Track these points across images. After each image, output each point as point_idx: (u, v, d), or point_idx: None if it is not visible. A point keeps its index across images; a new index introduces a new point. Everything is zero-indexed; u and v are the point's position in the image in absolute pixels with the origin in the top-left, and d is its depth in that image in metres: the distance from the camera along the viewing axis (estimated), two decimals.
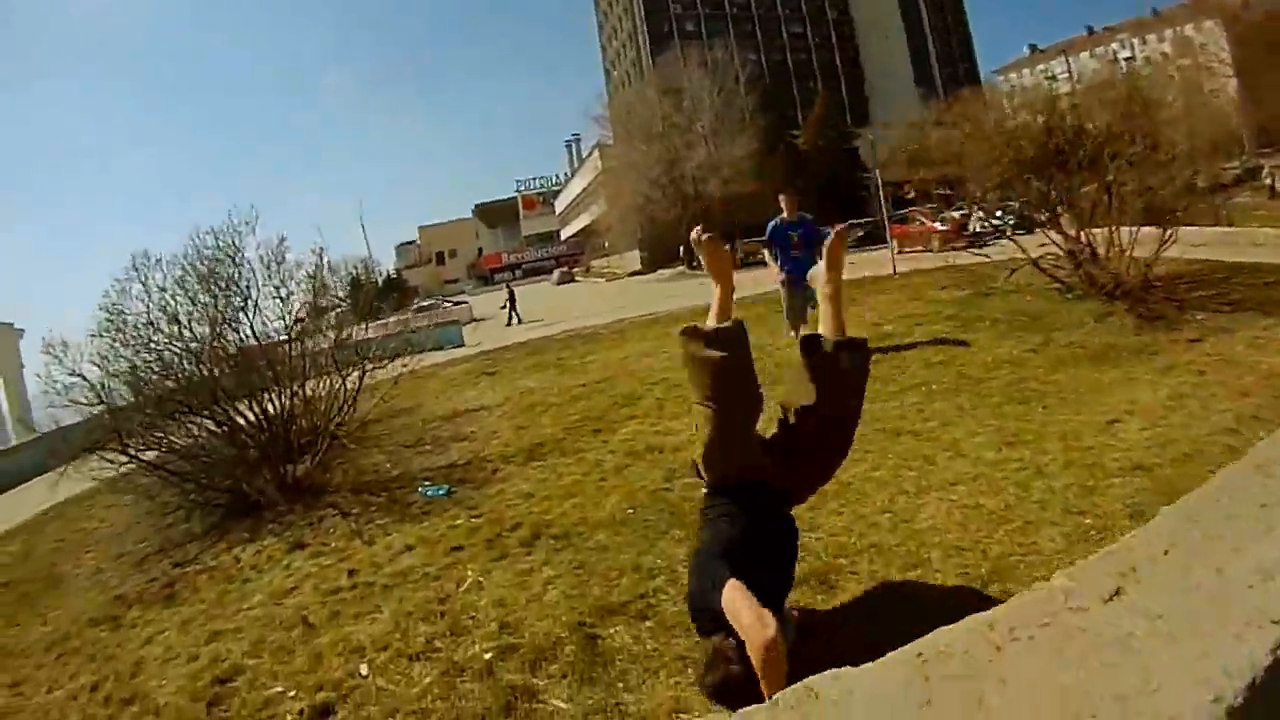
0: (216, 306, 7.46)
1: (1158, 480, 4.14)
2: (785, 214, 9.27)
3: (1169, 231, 9.28)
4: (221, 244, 7.58)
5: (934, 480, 4.68)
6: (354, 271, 9.42)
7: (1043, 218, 10.26)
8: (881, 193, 20.02)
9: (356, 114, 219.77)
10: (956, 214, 30.04)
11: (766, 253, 9.57)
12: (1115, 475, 4.31)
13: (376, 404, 8.70)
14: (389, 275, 60.25)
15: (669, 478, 5.58)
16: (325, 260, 8.50)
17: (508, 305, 30.59)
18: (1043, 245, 10.32)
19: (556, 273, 70.70)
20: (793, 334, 9.05)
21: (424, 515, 5.82)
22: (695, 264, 47.18)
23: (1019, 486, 4.37)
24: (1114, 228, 9.52)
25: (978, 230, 28.29)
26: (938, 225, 29.39)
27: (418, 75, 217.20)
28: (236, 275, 7.58)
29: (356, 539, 5.60)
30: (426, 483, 6.50)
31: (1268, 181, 27.81)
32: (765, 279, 9.97)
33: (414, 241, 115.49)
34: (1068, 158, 9.67)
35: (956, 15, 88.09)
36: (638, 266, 57.80)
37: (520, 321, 28.30)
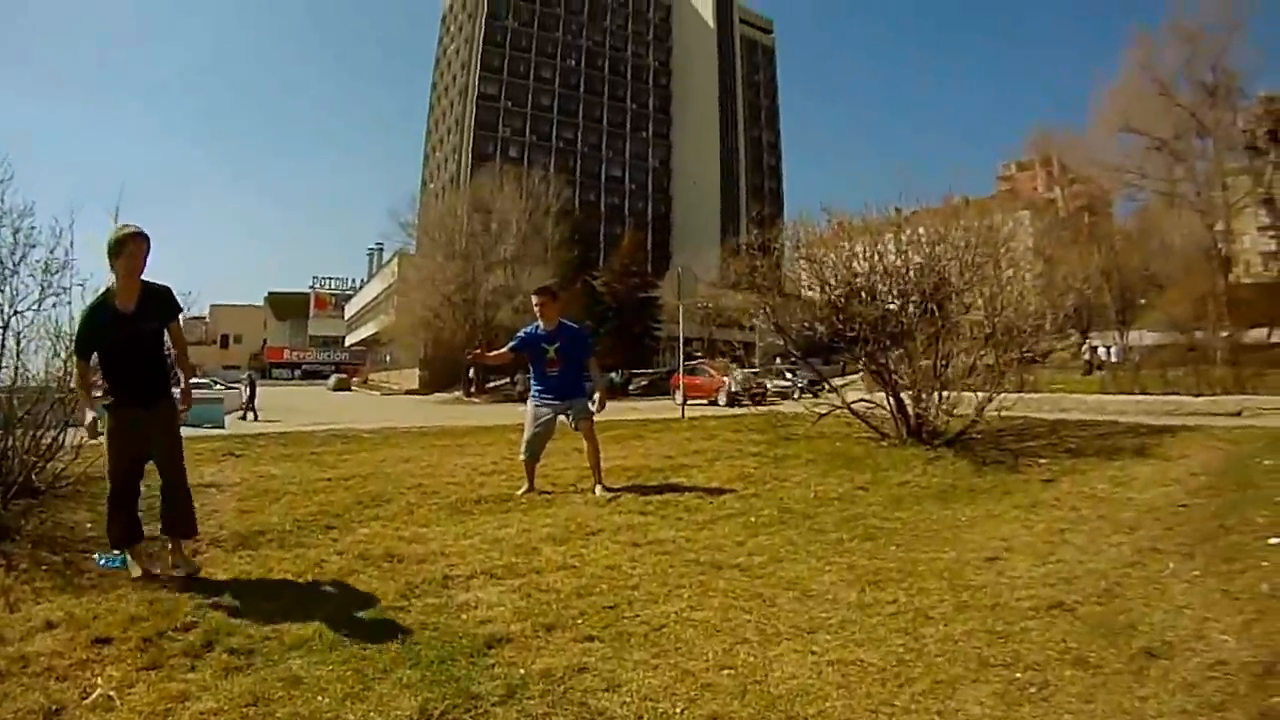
0: None
1: (1085, 619, 3.61)
2: (541, 323, 7.60)
3: (993, 388, 9.26)
4: None
5: (782, 626, 3.59)
6: None
7: (863, 361, 10.12)
8: (682, 330, 19.51)
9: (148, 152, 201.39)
10: (745, 371, 30.63)
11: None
12: (1029, 617, 3.68)
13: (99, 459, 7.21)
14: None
15: (406, 594, 4.31)
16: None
17: (246, 399, 27.93)
18: (856, 400, 10.23)
19: (333, 378, 71.43)
20: (525, 463, 7.53)
21: (90, 588, 4.57)
22: (473, 391, 46.29)
23: (905, 634, 3.42)
24: (934, 379, 9.44)
25: (766, 388, 29.00)
26: (725, 379, 30.09)
27: (225, 131, 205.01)
28: None
29: (1, 598, 4.34)
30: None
31: (1085, 357, 30.03)
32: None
33: (203, 318, 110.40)
34: (862, 329, 9.77)
35: (774, 181, 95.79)
36: (415, 385, 57.47)
37: (256, 418, 25.56)
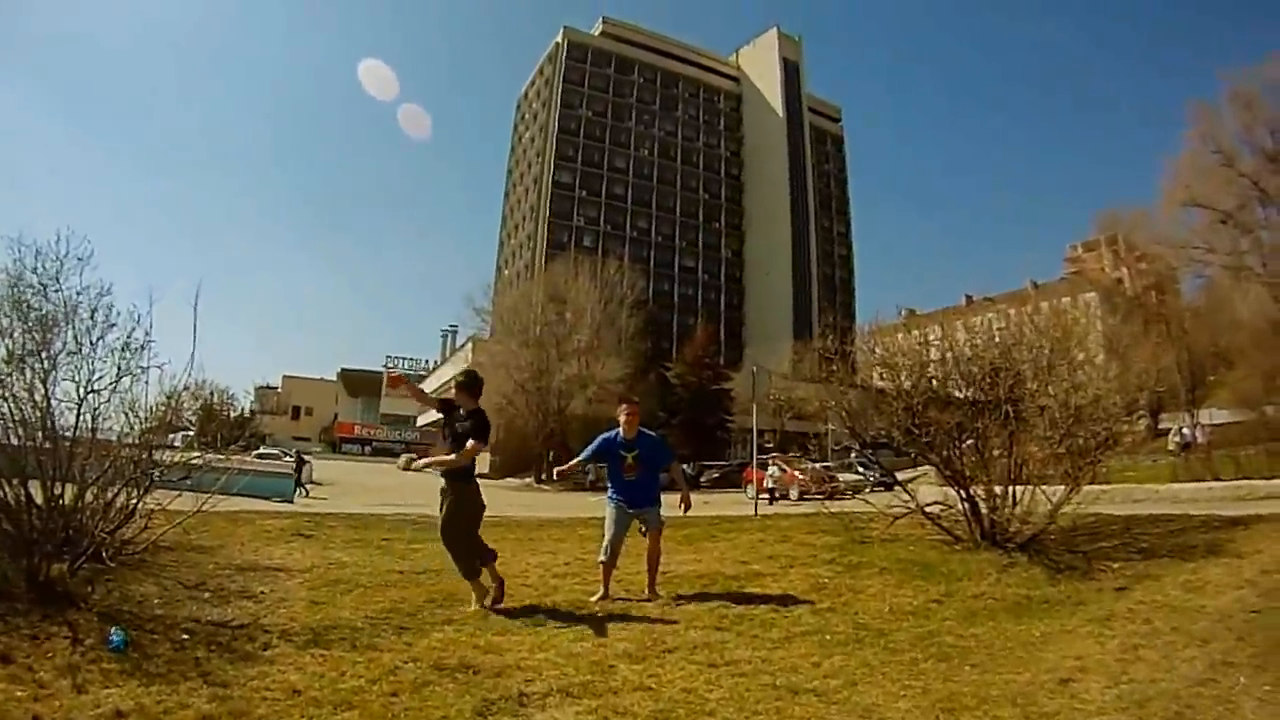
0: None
1: None
2: (623, 430, 7.77)
3: (1069, 489, 9.17)
4: (40, 270, 6.70)
5: None
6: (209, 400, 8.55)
7: (938, 466, 10.10)
8: (755, 426, 19.63)
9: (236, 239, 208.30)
10: (817, 465, 30.26)
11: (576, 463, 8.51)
12: None
13: (173, 530, 7.71)
14: (242, 414, 58.23)
15: (483, 711, 4.26)
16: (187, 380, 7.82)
17: (295, 474, 27.10)
18: (933, 503, 10.24)
19: (403, 457, 71.66)
20: (603, 566, 7.67)
21: (159, 675, 4.57)
22: (545, 478, 46.39)
23: None
24: (1008, 481, 9.40)
25: (839, 484, 28.60)
26: (797, 474, 29.78)
27: (298, 214, 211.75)
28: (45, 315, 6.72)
29: (69, 677, 4.39)
30: (116, 628, 5.30)
31: (1175, 440, 29.11)
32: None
33: (275, 388, 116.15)
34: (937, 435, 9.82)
35: (845, 271, 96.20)
36: (486, 470, 56.88)
37: (306, 494, 25.57)
